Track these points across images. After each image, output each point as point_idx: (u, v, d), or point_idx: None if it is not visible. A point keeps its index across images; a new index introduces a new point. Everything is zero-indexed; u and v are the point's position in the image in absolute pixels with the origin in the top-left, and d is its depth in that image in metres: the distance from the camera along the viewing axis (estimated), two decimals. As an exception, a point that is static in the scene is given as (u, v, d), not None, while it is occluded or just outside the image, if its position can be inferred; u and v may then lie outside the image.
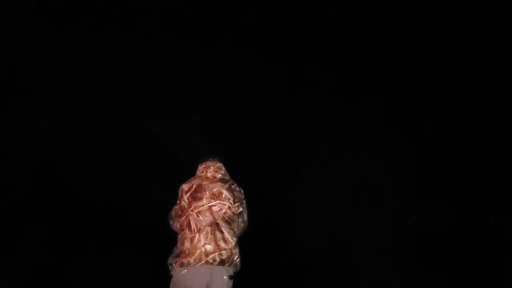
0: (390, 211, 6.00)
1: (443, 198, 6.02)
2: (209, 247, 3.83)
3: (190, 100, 6.29)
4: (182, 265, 3.82)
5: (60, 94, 5.99)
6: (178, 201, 4.24)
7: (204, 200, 4.08)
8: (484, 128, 6.26)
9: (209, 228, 3.93)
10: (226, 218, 4.02)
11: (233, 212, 4.07)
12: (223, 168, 4.44)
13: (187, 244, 3.90)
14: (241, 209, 4.13)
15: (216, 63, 6.35)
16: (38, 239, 5.41)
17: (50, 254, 5.34)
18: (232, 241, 3.92)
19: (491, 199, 6.00)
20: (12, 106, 5.88)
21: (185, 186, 4.25)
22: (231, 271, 3.87)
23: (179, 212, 4.16)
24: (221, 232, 3.93)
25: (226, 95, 6.32)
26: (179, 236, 4.03)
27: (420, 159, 6.19)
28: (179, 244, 3.98)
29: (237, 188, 4.24)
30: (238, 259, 3.92)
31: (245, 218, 4.19)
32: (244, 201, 4.24)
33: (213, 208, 4.03)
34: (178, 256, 3.90)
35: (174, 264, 3.87)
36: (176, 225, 4.16)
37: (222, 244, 3.87)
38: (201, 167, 4.44)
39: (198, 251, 3.83)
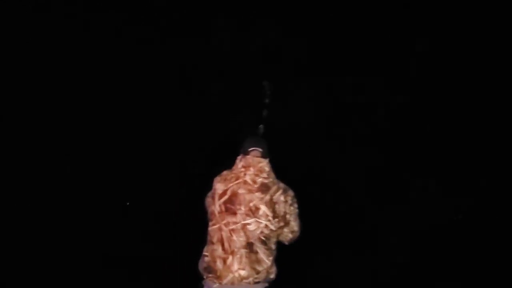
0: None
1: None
2: (243, 273, 3.43)
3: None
4: (214, 283, 3.49)
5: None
6: (211, 196, 3.69)
7: (239, 216, 3.51)
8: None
9: (243, 252, 3.46)
10: (263, 238, 3.52)
11: (271, 230, 3.54)
12: (267, 168, 3.67)
13: (219, 265, 3.48)
14: (282, 223, 3.56)
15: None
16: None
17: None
18: (268, 261, 3.51)
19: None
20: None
21: (219, 187, 3.62)
22: (265, 284, 3.56)
23: (211, 217, 3.65)
24: (256, 253, 3.48)
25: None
26: (210, 246, 3.57)
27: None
28: (209, 255, 3.55)
29: (282, 198, 3.58)
30: (274, 275, 3.57)
31: (295, 228, 3.63)
32: (293, 208, 3.63)
33: (248, 226, 3.50)
34: (209, 271, 3.52)
35: (205, 277, 3.56)
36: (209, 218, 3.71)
37: (257, 267, 3.47)
38: (239, 164, 3.69)
39: (231, 275, 3.44)
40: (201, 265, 3.65)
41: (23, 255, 5.14)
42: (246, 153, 3.74)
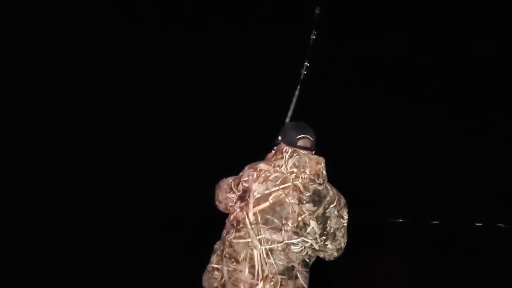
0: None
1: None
2: None
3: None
4: None
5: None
6: (236, 190, 2.73)
7: (283, 234, 2.62)
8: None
9: (279, 278, 2.62)
10: (306, 260, 2.71)
11: (314, 249, 2.72)
12: (324, 170, 2.73)
13: None
14: (328, 241, 2.73)
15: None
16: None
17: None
18: (306, 286, 2.72)
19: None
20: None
21: (257, 188, 2.62)
22: None
23: (234, 221, 2.68)
24: (296, 278, 2.66)
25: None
26: (229, 263, 2.65)
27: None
28: (226, 274, 2.64)
29: (335, 212, 2.72)
30: None
31: (342, 244, 2.81)
32: (344, 220, 2.78)
33: (292, 247, 2.64)
34: None
35: None
36: (221, 209, 2.87)
37: None
38: (290, 161, 2.66)
39: None
40: (209, 284, 2.75)
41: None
42: (293, 142, 2.77)
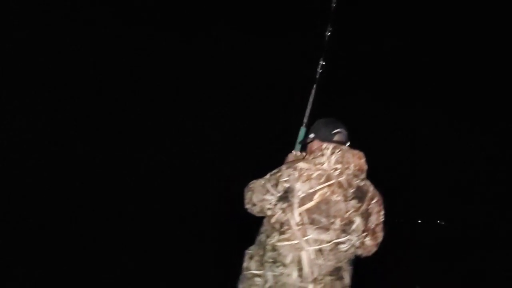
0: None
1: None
2: None
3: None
4: None
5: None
6: (274, 191, 2.58)
7: (331, 233, 2.52)
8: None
9: (329, 279, 2.51)
10: (352, 257, 2.63)
11: (356, 247, 2.64)
12: (366, 168, 2.65)
13: None
14: (368, 238, 2.64)
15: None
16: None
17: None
18: (350, 285, 2.62)
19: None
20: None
21: (301, 187, 2.51)
22: None
23: (277, 224, 2.55)
24: (342, 278, 2.56)
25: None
26: (275, 267, 2.52)
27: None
28: (272, 279, 2.52)
29: (376, 208, 2.63)
30: None
31: (379, 240, 2.69)
32: (382, 216, 2.68)
33: (340, 246, 2.55)
34: None
35: None
36: (256, 214, 2.70)
37: None
38: (332, 158, 2.57)
39: None
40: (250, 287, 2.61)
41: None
42: (329, 138, 2.68)
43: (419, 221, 6.00)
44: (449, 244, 6.21)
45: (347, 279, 2.58)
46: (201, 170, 6.18)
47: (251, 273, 2.64)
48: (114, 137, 5.64)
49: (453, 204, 6.79)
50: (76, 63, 5.82)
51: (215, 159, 6.22)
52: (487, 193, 6.64)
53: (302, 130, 3.07)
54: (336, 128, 2.72)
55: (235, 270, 2.82)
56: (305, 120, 3.13)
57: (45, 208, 5.49)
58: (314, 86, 3.23)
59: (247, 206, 2.74)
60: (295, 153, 2.94)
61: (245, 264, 2.71)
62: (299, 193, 2.53)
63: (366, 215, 2.61)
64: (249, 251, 2.72)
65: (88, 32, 5.83)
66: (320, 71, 3.30)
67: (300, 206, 2.53)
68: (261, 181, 2.70)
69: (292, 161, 2.76)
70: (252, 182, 2.77)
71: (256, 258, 2.64)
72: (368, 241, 2.66)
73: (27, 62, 5.51)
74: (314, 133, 2.76)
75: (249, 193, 2.73)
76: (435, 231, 6.13)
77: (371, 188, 2.66)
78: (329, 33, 3.36)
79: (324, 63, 3.30)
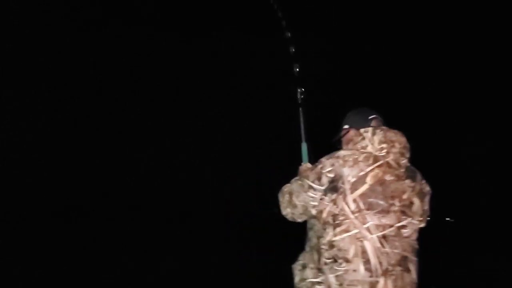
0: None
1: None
2: None
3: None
4: None
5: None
6: (318, 186, 2.33)
7: (392, 216, 2.27)
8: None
9: (399, 270, 2.24)
10: (415, 246, 2.36)
11: (417, 232, 2.39)
12: (409, 146, 2.45)
13: None
14: (423, 224, 2.42)
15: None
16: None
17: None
18: (416, 282, 2.34)
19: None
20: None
21: (347, 172, 2.27)
22: None
23: (329, 218, 2.28)
24: (409, 271, 2.29)
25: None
26: (337, 266, 2.23)
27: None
28: (335, 281, 2.21)
29: (427, 188, 2.44)
30: None
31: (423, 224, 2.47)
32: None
33: (402, 231, 2.29)
34: None
35: None
36: (298, 218, 2.45)
37: None
38: (375, 138, 2.36)
39: None
40: None
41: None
42: (366, 125, 2.48)
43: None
44: (461, 242, 6.12)
45: (414, 272, 2.31)
46: (201, 172, 6.00)
47: (310, 281, 2.34)
48: (116, 138, 5.70)
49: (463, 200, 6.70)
50: (76, 63, 5.85)
51: (215, 159, 6.14)
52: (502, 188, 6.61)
53: (304, 145, 2.91)
54: (371, 114, 2.57)
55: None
56: (303, 135, 2.94)
57: (57, 207, 5.58)
58: (300, 109, 3.05)
59: (286, 210, 2.49)
60: (306, 164, 2.71)
61: (297, 278, 2.42)
62: (349, 178, 2.30)
63: (421, 196, 2.40)
64: (299, 262, 2.44)
65: (88, 32, 5.86)
66: (302, 96, 3.12)
67: (352, 192, 2.28)
68: (297, 181, 2.47)
69: (331, 153, 2.49)
70: (285, 186, 2.55)
71: (311, 265, 2.36)
72: (423, 224, 2.43)
73: (27, 62, 5.53)
74: (349, 124, 2.61)
75: (286, 196, 2.49)
76: (445, 228, 6.01)
77: (418, 173, 2.45)
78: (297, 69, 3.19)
79: (303, 89, 3.12)
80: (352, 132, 2.53)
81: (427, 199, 2.43)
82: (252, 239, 5.62)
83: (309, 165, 2.68)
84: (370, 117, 2.54)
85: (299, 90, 3.05)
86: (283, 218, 2.55)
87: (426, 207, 2.43)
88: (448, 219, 5.64)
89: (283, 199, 2.51)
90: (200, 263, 5.18)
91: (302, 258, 2.43)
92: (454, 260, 5.77)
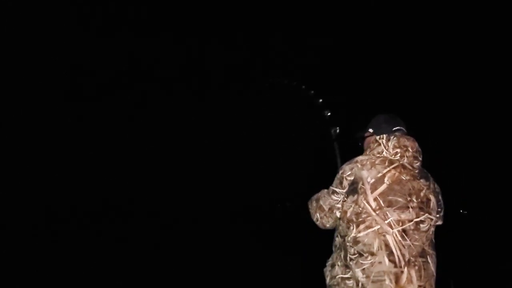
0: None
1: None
2: None
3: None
4: None
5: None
6: (340, 189, 2.59)
7: (411, 211, 2.48)
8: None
9: (421, 261, 2.44)
10: (433, 240, 2.56)
11: (434, 227, 2.59)
12: (421, 151, 2.69)
13: (388, 284, 2.37)
14: (440, 222, 2.63)
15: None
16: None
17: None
18: (435, 275, 2.52)
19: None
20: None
21: (367, 174, 2.52)
22: None
23: (352, 216, 2.51)
24: (429, 263, 2.48)
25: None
26: (363, 261, 2.43)
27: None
28: (362, 274, 2.40)
29: (438, 188, 2.66)
30: None
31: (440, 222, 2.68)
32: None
33: (420, 225, 2.49)
34: None
35: None
36: (328, 223, 2.66)
37: (433, 283, 2.48)
38: (389, 144, 2.61)
39: None
40: None
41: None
42: (388, 133, 2.71)
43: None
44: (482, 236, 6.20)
45: (432, 265, 2.50)
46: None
47: (340, 277, 2.53)
48: (124, 138, 5.92)
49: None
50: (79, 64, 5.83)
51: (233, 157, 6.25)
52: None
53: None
54: (397, 125, 2.76)
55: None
56: (339, 164, 3.07)
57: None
58: (335, 144, 3.29)
59: (316, 215, 2.72)
60: None
61: (328, 278, 2.62)
62: (368, 179, 2.53)
63: (436, 194, 2.61)
64: (329, 262, 2.65)
65: (88, 31, 5.87)
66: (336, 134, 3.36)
67: (373, 191, 2.50)
68: (324, 190, 2.73)
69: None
70: (314, 195, 2.78)
71: (339, 263, 2.56)
72: (440, 221, 2.63)
73: (27, 62, 5.52)
74: (373, 129, 2.80)
75: (314, 202, 2.75)
76: (461, 221, 6.10)
77: (430, 176, 2.67)
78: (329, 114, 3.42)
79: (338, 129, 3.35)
80: (371, 139, 2.75)
81: (440, 197, 2.64)
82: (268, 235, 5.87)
83: None
84: (394, 129, 2.73)
85: (332, 131, 3.31)
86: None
87: (442, 205, 2.63)
88: (462, 211, 5.75)
89: (312, 205, 2.76)
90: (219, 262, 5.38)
91: (331, 259, 2.64)
92: (473, 256, 5.87)
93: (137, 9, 6.12)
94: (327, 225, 2.69)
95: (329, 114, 3.39)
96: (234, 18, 6.63)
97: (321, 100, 3.46)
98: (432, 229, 2.56)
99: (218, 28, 6.65)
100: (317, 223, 2.72)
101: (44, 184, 5.54)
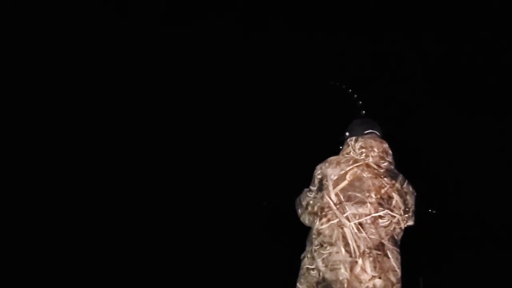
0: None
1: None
2: (379, 283, 2.57)
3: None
4: None
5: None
6: (313, 187, 2.85)
7: (369, 206, 2.67)
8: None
9: (375, 253, 2.63)
10: (395, 237, 2.71)
11: (400, 228, 2.73)
12: (391, 152, 2.89)
13: (343, 273, 2.56)
14: (410, 222, 2.78)
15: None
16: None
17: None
18: (399, 271, 2.65)
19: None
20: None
21: (332, 172, 2.75)
22: None
23: (318, 210, 2.75)
24: (388, 257, 2.66)
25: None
26: (323, 251, 2.63)
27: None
28: (323, 263, 2.60)
29: (410, 189, 2.81)
30: None
31: (411, 223, 2.82)
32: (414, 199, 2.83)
33: (379, 220, 2.69)
34: (326, 286, 2.55)
35: None
36: (306, 219, 2.88)
37: (392, 277, 2.61)
38: (356, 145, 2.86)
39: (364, 286, 2.55)
40: (307, 280, 2.68)
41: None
42: (361, 134, 2.96)
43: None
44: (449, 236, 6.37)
45: (392, 259, 2.61)
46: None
47: (306, 267, 2.73)
48: (127, 136, 6.01)
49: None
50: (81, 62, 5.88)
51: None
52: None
53: None
54: (369, 129, 2.99)
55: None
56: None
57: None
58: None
59: (298, 212, 2.97)
60: None
61: (301, 266, 2.81)
62: (332, 176, 2.74)
63: (403, 194, 2.75)
64: (302, 255, 2.84)
65: (88, 28, 5.92)
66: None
67: (334, 187, 2.71)
68: (306, 188, 2.97)
69: None
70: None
71: (308, 255, 2.76)
72: (410, 222, 2.76)
73: (27, 62, 5.53)
74: (349, 133, 3.04)
75: (297, 200, 3.01)
76: (432, 222, 6.28)
77: (401, 176, 2.81)
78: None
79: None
80: (352, 138, 2.96)
81: (410, 198, 2.77)
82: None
83: None
84: (366, 132, 2.97)
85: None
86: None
87: (410, 205, 2.77)
88: (430, 210, 5.93)
89: (296, 203, 3.02)
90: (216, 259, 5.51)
91: (304, 252, 2.83)
92: (442, 254, 6.06)
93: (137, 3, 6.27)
94: (306, 221, 2.91)
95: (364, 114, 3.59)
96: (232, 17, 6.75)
97: (361, 102, 3.66)
98: (396, 226, 2.69)
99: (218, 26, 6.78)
100: (300, 219, 2.96)
101: (44, 184, 5.59)
